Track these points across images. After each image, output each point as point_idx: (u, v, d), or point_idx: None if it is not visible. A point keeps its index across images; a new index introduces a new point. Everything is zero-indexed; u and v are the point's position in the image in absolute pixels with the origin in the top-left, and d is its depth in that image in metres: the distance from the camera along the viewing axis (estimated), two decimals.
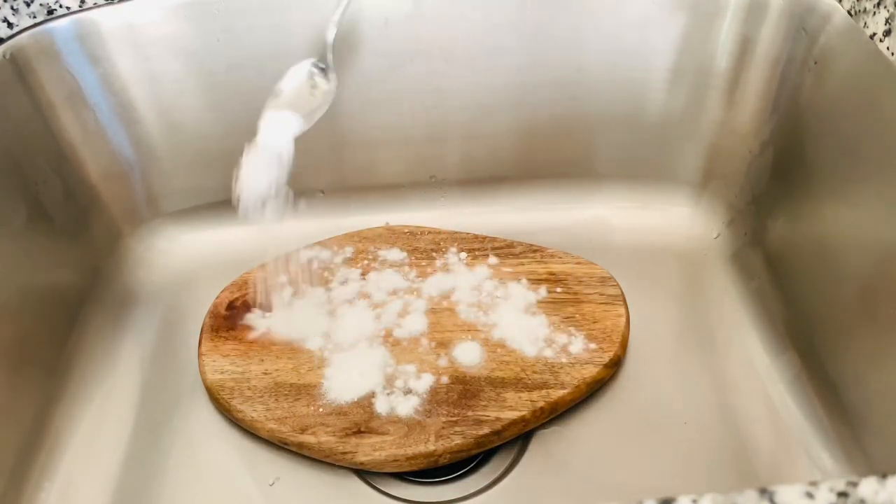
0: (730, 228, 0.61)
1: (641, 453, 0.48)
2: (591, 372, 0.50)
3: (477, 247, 0.59)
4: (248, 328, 0.54)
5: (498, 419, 0.47)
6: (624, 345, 0.52)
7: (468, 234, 0.60)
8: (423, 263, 0.58)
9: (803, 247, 0.53)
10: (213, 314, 0.55)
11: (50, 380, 0.51)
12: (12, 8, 0.51)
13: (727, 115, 0.58)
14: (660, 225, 0.63)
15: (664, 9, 0.55)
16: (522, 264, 0.57)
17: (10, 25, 0.51)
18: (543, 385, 0.49)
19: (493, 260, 0.58)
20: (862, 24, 0.47)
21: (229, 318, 0.54)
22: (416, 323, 0.53)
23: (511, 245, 0.59)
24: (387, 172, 0.63)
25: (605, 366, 0.50)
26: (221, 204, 0.63)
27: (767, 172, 0.57)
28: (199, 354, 0.52)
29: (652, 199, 0.63)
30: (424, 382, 0.49)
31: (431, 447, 0.46)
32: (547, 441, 0.49)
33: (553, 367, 0.50)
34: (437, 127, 0.60)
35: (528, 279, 0.56)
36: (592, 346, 0.51)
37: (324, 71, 0.51)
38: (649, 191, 0.63)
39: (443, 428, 0.47)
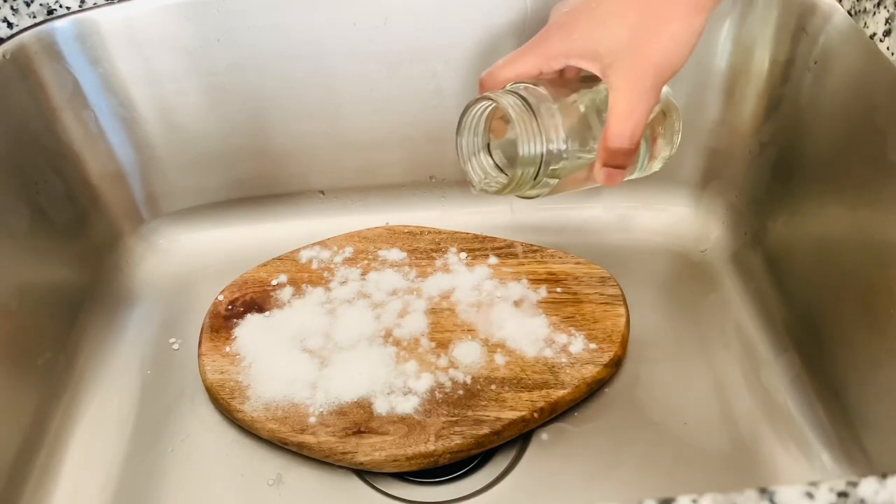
0: (730, 229, 0.61)
1: (641, 453, 0.48)
2: (591, 372, 0.50)
3: (477, 247, 0.59)
4: (248, 328, 0.54)
5: (498, 419, 0.47)
6: (624, 345, 0.52)
7: (468, 234, 0.60)
8: (423, 263, 0.58)
9: (803, 247, 0.53)
10: (213, 314, 0.55)
11: (50, 379, 0.52)
12: (12, 8, 0.51)
13: (727, 115, 0.58)
14: (660, 225, 0.63)
15: None
16: (522, 264, 0.57)
17: (10, 25, 0.51)
18: (543, 385, 0.49)
19: (493, 260, 0.58)
20: (862, 24, 0.47)
21: (229, 318, 0.54)
22: (416, 323, 0.53)
23: (511, 245, 0.59)
24: (387, 172, 0.63)
25: (605, 366, 0.50)
26: (221, 204, 0.63)
27: (767, 172, 0.57)
28: (199, 354, 0.52)
29: (652, 199, 0.63)
30: (424, 382, 0.49)
31: (431, 447, 0.46)
32: (547, 441, 0.49)
33: (553, 367, 0.50)
34: (436, 127, 0.60)
35: (528, 279, 0.56)
36: (592, 345, 0.51)
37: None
38: (649, 191, 0.63)
39: (443, 428, 0.47)
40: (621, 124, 0.40)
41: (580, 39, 0.41)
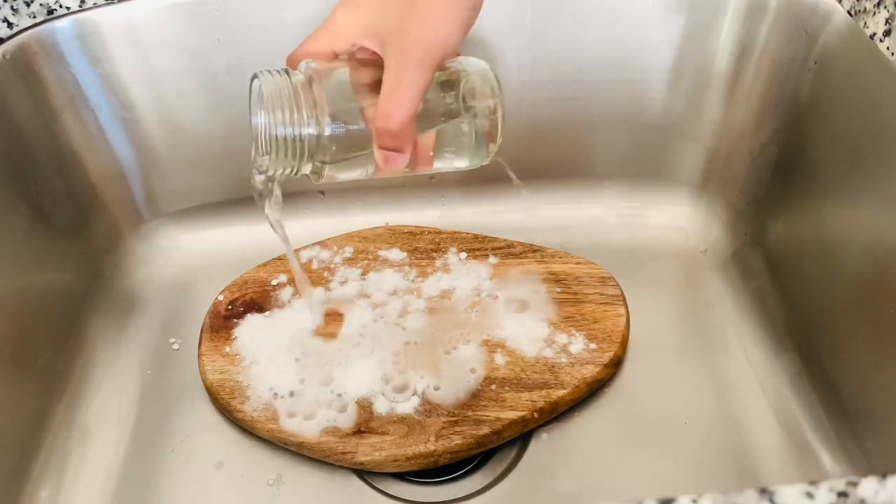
0: (730, 229, 0.61)
1: (641, 453, 0.48)
2: (591, 372, 0.50)
3: (477, 247, 0.59)
4: (248, 328, 0.54)
5: (498, 419, 0.47)
6: (624, 345, 0.52)
7: (468, 234, 0.60)
8: (423, 263, 0.58)
9: (803, 247, 0.53)
10: (213, 314, 0.55)
11: (50, 380, 0.51)
12: (12, 8, 0.51)
13: (727, 115, 0.58)
14: (659, 225, 0.63)
15: (664, 9, 0.55)
16: (522, 264, 0.57)
17: (10, 25, 0.51)
18: (543, 385, 0.49)
19: (493, 260, 0.58)
20: (862, 24, 0.47)
21: (229, 318, 0.54)
22: (416, 323, 0.53)
23: (511, 245, 0.59)
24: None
25: (605, 366, 0.50)
26: (221, 204, 0.63)
27: (767, 173, 0.57)
28: (199, 354, 0.52)
29: (652, 199, 0.63)
30: (424, 382, 0.49)
31: (431, 447, 0.46)
32: (547, 441, 0.49)
33: (553, 367, 0.50)
34: None
35: (529, 279, 0.56)
36: (592, 345, 0.51)
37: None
38: (649, 191, 0.63)
39: (443, 428, 0.47)
40: (387, 103, 0.38)
41: (361, 17, 0.40)
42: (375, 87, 0.39)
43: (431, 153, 0.42)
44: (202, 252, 0.63)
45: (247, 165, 0.61)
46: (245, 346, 0.52)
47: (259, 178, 0.43)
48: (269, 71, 0.40)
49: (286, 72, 0.40)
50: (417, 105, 0.38)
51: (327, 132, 0.39)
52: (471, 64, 0.43)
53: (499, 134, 0.44)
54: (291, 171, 0.40)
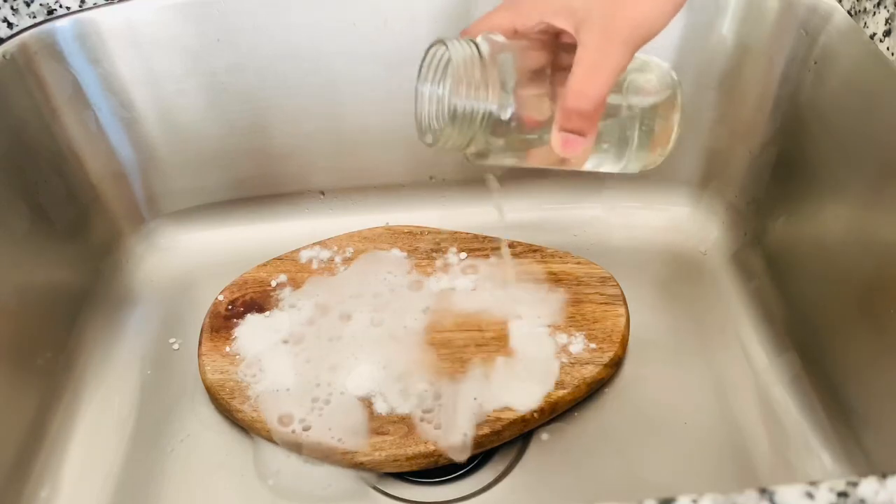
0: (730, 229, 0.61)
1: (641, 453, 0.48)
2: (591, 372, 0.50)
3: (477, 247, 0.59)
4: (248, 328, 0.54)
5: (498, 419, 0.47)
6: (624, 345, 0.52)
7: (468, 234, 0.60)
8: (423, 263, 0.58)
9: (803, 247, 0.53)
10: (213, 314, 0.55)
11: (50, 380, 0.51)
12: (12, 8, 0.51)
13: (727, 115, 0.58)
14: (660, 225, 0.63)
15: None
16: (523, 264, 0.57)
17: (10, 25, 0.51)
18: None
19: (493, 260, 0.58)
20: (862, 24, 0.47)
21: (229, 318, 0.54)
22: (416, 323, 0.53)
23: (511, 245, 0.59)
24: (387, 172, 0.63)
25: (605, 366, 0.50)
26: (221, 204, 0.63)
27: (767, 172, 0.57)
28: (199, 354, 0.52)
29: (652, 199, 0.64)
30: (424, 383, 0.49)
31: (431, 447, 0.46)
32: (547, 441, 0.49)
33: None
34: None
35: (529, 279, 0.56)
36: (592, 346, 0.51)
37: None
38: (649, 191, 0.63)
39: None
40: (582, 81, 0.35)
41: None
42: (546, 70, 0.38)
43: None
44: (202, 252, 0.63)
45: (246, 165, 0.62)
46: (245, 346, 0.52)
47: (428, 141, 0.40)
48: (455, 39, 0.37)
49: (473, 42, 0.37)
50: (612, 87, 0.35)
51: (510, 111, 0.37)
52: (653, 61, 0.41)
53: (671, 140, 0.42)
54: (461, 146, 0.38)
